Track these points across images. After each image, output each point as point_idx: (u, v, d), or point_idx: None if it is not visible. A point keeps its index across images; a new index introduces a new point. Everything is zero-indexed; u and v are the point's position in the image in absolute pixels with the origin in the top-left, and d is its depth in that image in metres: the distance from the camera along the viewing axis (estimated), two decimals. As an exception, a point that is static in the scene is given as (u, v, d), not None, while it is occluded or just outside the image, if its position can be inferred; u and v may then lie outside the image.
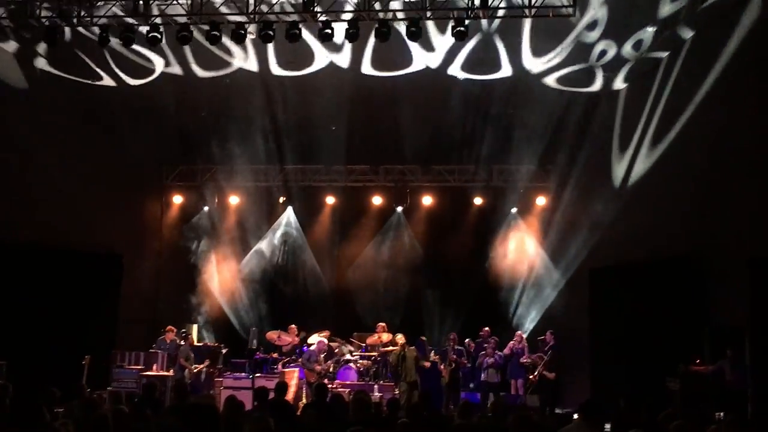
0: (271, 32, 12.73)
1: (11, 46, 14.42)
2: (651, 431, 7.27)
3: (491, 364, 15.78)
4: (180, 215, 19.87)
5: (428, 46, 14.16)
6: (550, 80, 14.95)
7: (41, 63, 14.99)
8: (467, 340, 16.68)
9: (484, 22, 13.35)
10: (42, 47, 14.10)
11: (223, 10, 13.00)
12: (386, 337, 16.50)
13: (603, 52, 14.15)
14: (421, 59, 14.54)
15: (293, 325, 16.93)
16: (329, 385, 13.83)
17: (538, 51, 14.24)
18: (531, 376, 15.55)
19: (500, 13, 12.71)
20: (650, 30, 13.47)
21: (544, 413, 14.14)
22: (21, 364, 13.46)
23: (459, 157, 18.55)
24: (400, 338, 14.91)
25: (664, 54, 14.22)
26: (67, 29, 13.67)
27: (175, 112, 16.75)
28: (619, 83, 15.54)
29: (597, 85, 15.40)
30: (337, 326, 17.47)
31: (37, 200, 15.28)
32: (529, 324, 17.79)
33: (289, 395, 13.52)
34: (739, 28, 12.26)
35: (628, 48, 14.10)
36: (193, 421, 4.28)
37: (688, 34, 13.47)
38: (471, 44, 14.00)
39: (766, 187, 11.82)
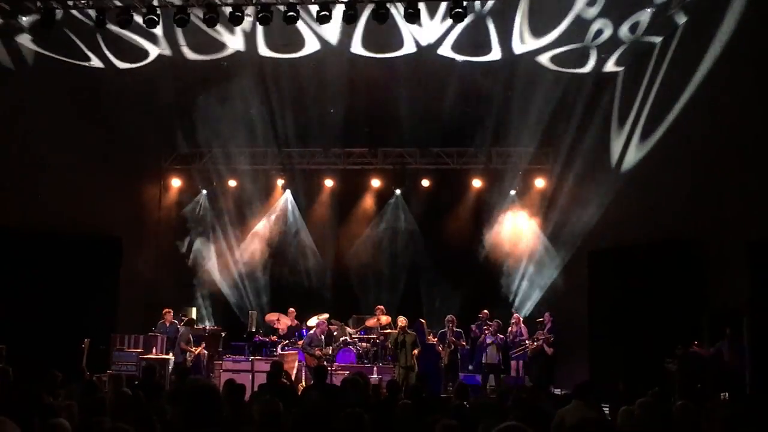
0: (268, 14, 12.68)
1: (7, 28, 14.32)
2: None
3: (492, 342, 15.78)
4: (178, 198, 19.85)
5: (421, 28, 14.11)
6: (545, 59, 14.83)
7: (38, 46, 14.92)
8: (473, 326, 16.65)
9: (476, 3, 13.27)
10: (39, 30, 14.00)
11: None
12: (385, 319, 16.53)
13: (599, 32, 14.05)
14: (413, 40, 14.46)
15: (292, 308, 16.98)
16: (329, 367, 13.89)
17: (535, 27, 14.15)
18: (529, 345, 15.57)
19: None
20: (648, 11, 13.42)
21: (540, 393, 14.18)
22: (21, 348, 13.49)
23: (458, 139, 18.53)
24: (401, 321, 14.82)
25: (658, 39, 14.16)
26: (63, 11, 13.58)
27: (173, 96, 16.67)
28: (611, 66, 15.48)
29: (589, 67, 15.33)
30: (335, 309, 17.51)
31: (36, 184, 15.26)
32: (528, 306, 17.82)
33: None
34: (734, 11, 12.22)
35: (624, 30, 14.05)
36: (195, 404, 4.28)
37: (683, 18, 13.43)
38: (462, 25, 13.86)
39: (765, 171, 11.83)
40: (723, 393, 11.04)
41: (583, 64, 15.19)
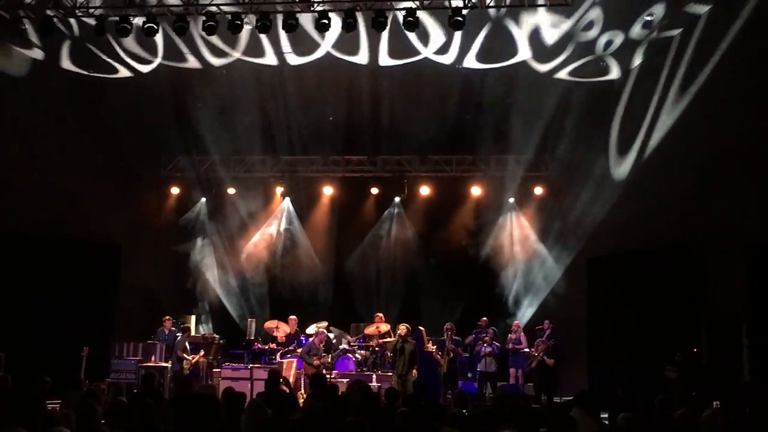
0: (268, 22, 12.72)
1: (8, 36, 14.37)
2: (647, 418, 7.31)
3: (488, 353, 15.80)
4: (178, 206, 19.83)
5: (425, 37, 14.18)
6: (562, 74, 15.04)
7: (39, 54, 14.97)
8: (470, 337, 16.63)
9: (492, 10, 13.36)
10: (38, 38, 14.05)
11: (220, 0, 12.97)
12: (384, 327, 16.51)
13: (609, 42, 14.20)
14: (432, 50, 14.60)
15: (294, 316, 16.92)
16: (327, 375, 13.86)
17: (543, 53, 14.34)
18: (530, 361, 15.54)
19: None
20: (649, 18, 13.51)
21: (540, 401, 14.18)
22: (20, 356, 13.48)
23: (456, 147, 18.56)
24: (402, 329, 14.72)
25: (676, 31, 14.08)
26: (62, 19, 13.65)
27: (173, 103, 16.71)
28: (612, 73, 15.57)
29: (614, 74, 15.46)
30: (334, 316, 17.48)
31: (36, 191, 15.27)
32: (527, 313, 17.82)
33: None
34: (737, 20, 12.28)
35: (637, 29, 14.12)
36: (193, 413, 4.28)
37: (693, 16, 13.48)
38: (483, 33, 14.03)
39: (762, 177, 11.86)
40: (715, 402, 10.98)
41: (598, 73, 15.34)
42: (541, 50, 14.65)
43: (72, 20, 13.78)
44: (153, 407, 6.90)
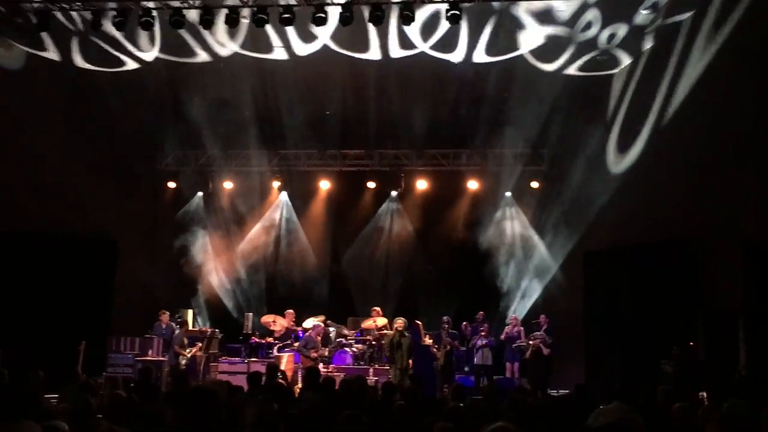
0: (264, 16, 12.69)
1: (3, 30, 14.32)
2: (649, 411, 7.30)
3: (484, 345, 15.83)
4: (174, 200, 19.80)
5: (429, 32, 14.18)
6: (559, 70, 15.05)
7: (33, 48, 14.92)
8: (464, 323, 16.74)
9: (495, 4, 13.33)
10: (34, 32, 14.00)
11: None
12: (381, 321, 16.52)
13: (612, 36, 14.18)
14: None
15: (291, 310, 16.93)
16: (324, 369, 13.88)
17: (545, 55, 14.33)
18: (526, 349, 15.56)
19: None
20: (644, 13, 13.51)
21: (536, 395, 14.19)
22: (16, 351, 13.45)
23: (453, 141, 18.55)
24: (399, 323, 14.68)
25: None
26: (58, 14, 13.59)
27: (169, 97, 16.67)
28: (611, 67, 15.56)
29: (612, 68, 15.46)
30: (332, 311, 17.49)
31: (31, 186, 15.22)
32: (524, 307, 17.84)
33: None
34: (734, 13, 12.26)
35: (635, 22, 14.10)
36: (193, 408, 4.28)
37: (681, 17, 13.49)
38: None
39: (760, 171, 11.87)
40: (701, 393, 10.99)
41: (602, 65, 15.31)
42: (539, 47, 14.67)
43: (59, 14, 13.69)
44: (137, 404, 6.89)
